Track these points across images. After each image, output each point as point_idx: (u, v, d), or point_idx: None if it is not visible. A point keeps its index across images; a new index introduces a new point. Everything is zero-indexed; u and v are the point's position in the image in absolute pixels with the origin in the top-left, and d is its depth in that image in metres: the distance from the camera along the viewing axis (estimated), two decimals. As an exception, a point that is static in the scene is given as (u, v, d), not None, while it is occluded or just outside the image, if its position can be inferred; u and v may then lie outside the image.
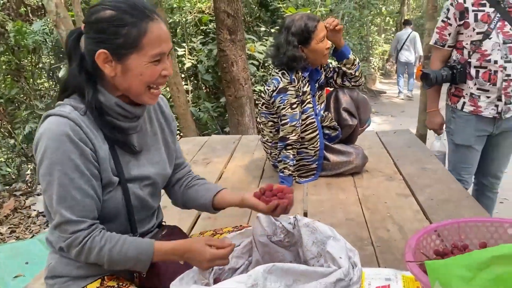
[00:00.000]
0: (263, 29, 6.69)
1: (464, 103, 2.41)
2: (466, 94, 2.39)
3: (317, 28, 2.09)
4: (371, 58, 11.15)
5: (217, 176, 2.39)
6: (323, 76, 2.29)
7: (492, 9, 2.28)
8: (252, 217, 1.80)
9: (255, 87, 5.77)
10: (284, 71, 2.12)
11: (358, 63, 2.27)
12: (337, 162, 2.24)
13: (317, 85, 2.26)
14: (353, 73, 2.25)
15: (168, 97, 5.25)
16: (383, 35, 13.98)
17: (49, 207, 1.05)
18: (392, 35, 14.72)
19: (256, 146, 2.89)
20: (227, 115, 5.20)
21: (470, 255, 0.88)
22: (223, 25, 4.24)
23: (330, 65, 2.32)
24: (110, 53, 1.03)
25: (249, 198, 1.23)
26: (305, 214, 1.89)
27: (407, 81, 9.52)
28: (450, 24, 2.37)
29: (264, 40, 6.32)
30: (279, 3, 6.81)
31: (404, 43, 9.13)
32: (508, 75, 2.27)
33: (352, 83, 2.30)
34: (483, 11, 2.29)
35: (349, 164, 2.24)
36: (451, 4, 2.35)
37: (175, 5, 6.32)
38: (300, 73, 2.13)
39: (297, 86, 2.11)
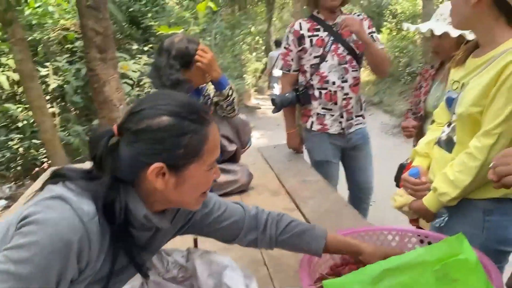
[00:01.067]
0: (135, 47, 6.48)
1: (312, 122, 2.60)
2: (314, 113, 2.58)
3: (197, 51, 2.05)
4: (244, 75, 11.54)
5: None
6: (201, 98, 2.25)
7: (326, 33, 2.47)
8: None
9: (131, 107, 5.53)
10: None
11: (233, 99, 2.19)
12: (223, 182, 2.22)
13: None
14: (224, 107, 2.20)
15: (31, 121, 4.73)
16: (254, 54, 14.61)
17: None
18: (263, 53, 15.59)
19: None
20: (101, 139, 4.87)
21: (364, 270, 0.91)
22: (91, 43, 3.98)
23: (206, 89, 2.29)
24: (166, 165, 0.88)
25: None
26: (195, 241, 1.81)
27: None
28: (291, 50, 2.54)
29: (137, 58, 6.12)
30: (150, 21, 6.68)
31: (276, 61, 10.35)
32: (346, 94, 2.50)
33: (224, 114, 2.25)
34: (318, 35, 2.48)
35: (236, 183, 2.24)
36: (290, 32, 2.54)
37: (34, 22, 5.77)
38: None
39: None
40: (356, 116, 2.60)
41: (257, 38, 14.72)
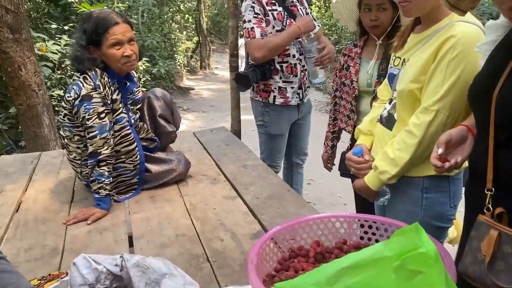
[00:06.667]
0: (54, 26, 5.95)
1: (274, 96, 2.66)
2: (275, 88, 2.65)
3: (108, 32, 1.79)
4: (176, 55, 11.15)
5: (14, 208, 1.95)
6: (140, 92, 2.09)
7: (281, 8, 2.57)
8: (65, 260, 1.49)
9: (53, 91, 5.09)
10: (86, 75, 1.82)
11: None
12: (159, 172, 2.07)
13: (130, 94, 2.03)
14: None
15: None
16: (184, 33, 14.15)
17: None
18: (193, 32, 15.10)
19: (62, 163, 2.48)
20: (20, 127, 4.45)
21: (319, 271, 0.84)
22: (2, 23, 3.56)
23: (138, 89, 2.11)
24: None
25: None
26: (130, 238, 1.67)
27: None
28: (262, 19, 2.57)
29: (57, 38, 5.62)
30: (70, -2, 6.15)
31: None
32: (303, 66, 2.64)
33: None
34: (276, 10, 2.56)
35: (173, 172, 2.09)
36: (253, 2, 2.54)
37: None
38: (106, 79, 1.86)
39: (103, 93, 1.84)
40: (308, 87, 2.76)
41: (186, 16, 14.23)
